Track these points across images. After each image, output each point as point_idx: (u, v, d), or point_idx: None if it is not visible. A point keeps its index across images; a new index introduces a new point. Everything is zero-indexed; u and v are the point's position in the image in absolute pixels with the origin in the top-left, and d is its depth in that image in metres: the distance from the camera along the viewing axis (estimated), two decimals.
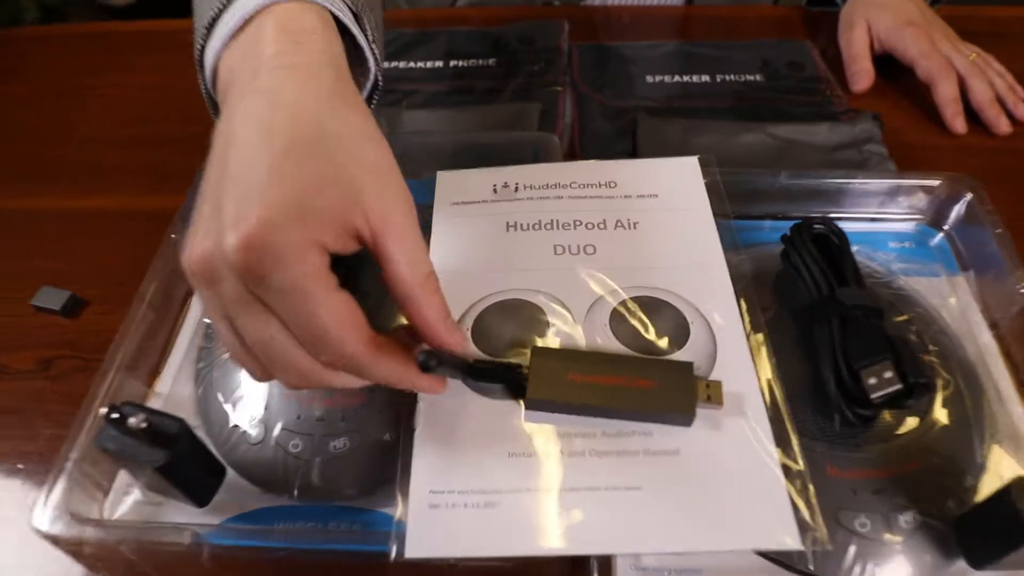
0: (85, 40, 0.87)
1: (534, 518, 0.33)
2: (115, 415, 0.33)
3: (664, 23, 0.77)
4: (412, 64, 0.70)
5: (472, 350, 0.39)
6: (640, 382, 0.36)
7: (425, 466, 0.35)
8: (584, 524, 0.33)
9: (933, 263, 0.49)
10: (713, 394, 0.35)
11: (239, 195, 0.28)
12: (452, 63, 0.70)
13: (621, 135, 0.60)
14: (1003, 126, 0.60)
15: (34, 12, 1.82)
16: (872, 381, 0.35)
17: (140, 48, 0.85)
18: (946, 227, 0.50)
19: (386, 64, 0.70)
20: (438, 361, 0.31)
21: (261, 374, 0.31)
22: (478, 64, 0.70)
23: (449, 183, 0.48)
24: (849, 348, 0.37)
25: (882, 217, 0.51)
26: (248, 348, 0.30)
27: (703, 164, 0.48)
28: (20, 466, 0.49)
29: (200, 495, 0.37)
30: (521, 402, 0.37)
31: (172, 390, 0.45)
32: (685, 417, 0.35)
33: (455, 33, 0.73)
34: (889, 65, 0.66)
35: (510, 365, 0.38)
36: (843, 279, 0.40)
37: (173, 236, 0.48)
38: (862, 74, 0.64)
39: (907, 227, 0.51)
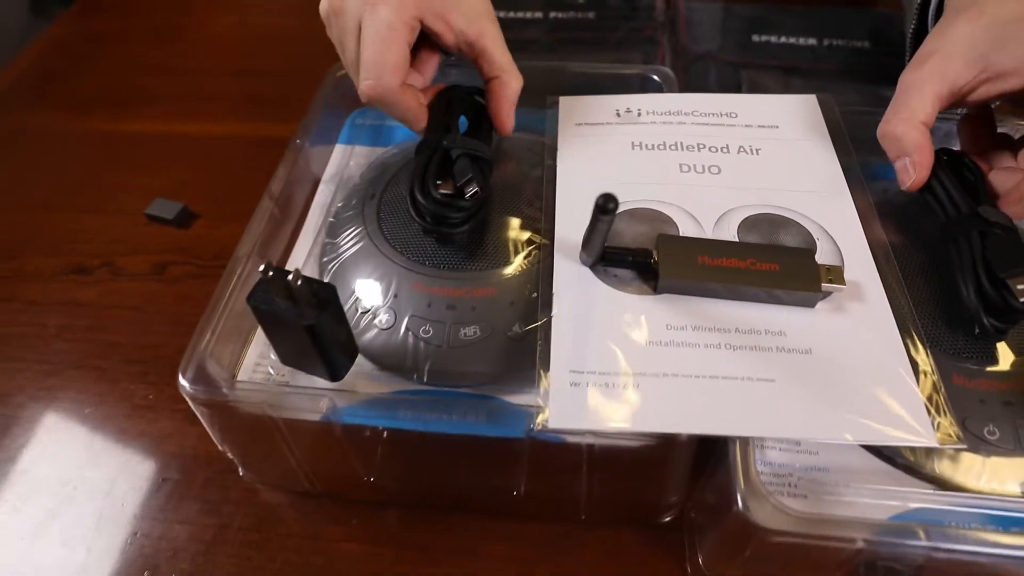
0: None
1: (671, 400, 0.37)
2: (271, 273, 0.37)
3: None
4: (511, 13, 0.74)
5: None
6: (765, 265, 0.39)
7: (563, 348, 0.39)
8: (722, 408, 0.36)
9: None
10: (835, 276, 0.39)
11: None
12: (551, 14, 0.74)
13: (723, 89, 0.64)
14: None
15: None
16: (1021, 287, 0.37)
17: None
18: None
19: None
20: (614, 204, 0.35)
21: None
22: (577, 17, 0.74)
23: (571, 107, 0.52)
24: (992, 259, 0.39)
25: None
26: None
27: (822, 104, 0.51)
28: (139, 356, 0.54)
29: (336, 368, 0.40)
30: (652, 287, 0.40)
31: None
32: (810, 296, 0.39)
33: None
34: None
35: (640, 250, 0.42)
36: (979, 202, 0.42)
37: (298, 141, 0.52)
38: (911, 168, 0.43)
39: None
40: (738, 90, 0.63)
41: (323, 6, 0.47)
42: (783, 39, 0.70)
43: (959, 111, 0.49)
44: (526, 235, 0.46)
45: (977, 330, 0.40)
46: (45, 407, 0.51)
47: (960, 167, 0.45)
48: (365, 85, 0.44)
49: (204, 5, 0.91)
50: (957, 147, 0.49)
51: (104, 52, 0.84)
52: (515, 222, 0.46)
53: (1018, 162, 0.44)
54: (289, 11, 0.87)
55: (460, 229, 0.44)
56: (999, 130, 0.48)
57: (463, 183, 0.44)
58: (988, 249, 0.40)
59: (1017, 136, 0.46)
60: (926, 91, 0.43)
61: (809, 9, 0.74)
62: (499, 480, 0.43)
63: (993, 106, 0.48)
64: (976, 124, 0.48)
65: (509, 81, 0.47)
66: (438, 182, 0.44)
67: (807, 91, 0.62)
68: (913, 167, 0.43)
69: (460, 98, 0.49)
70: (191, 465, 0.48)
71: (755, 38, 0.70)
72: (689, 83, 0.66)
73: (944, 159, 0.45)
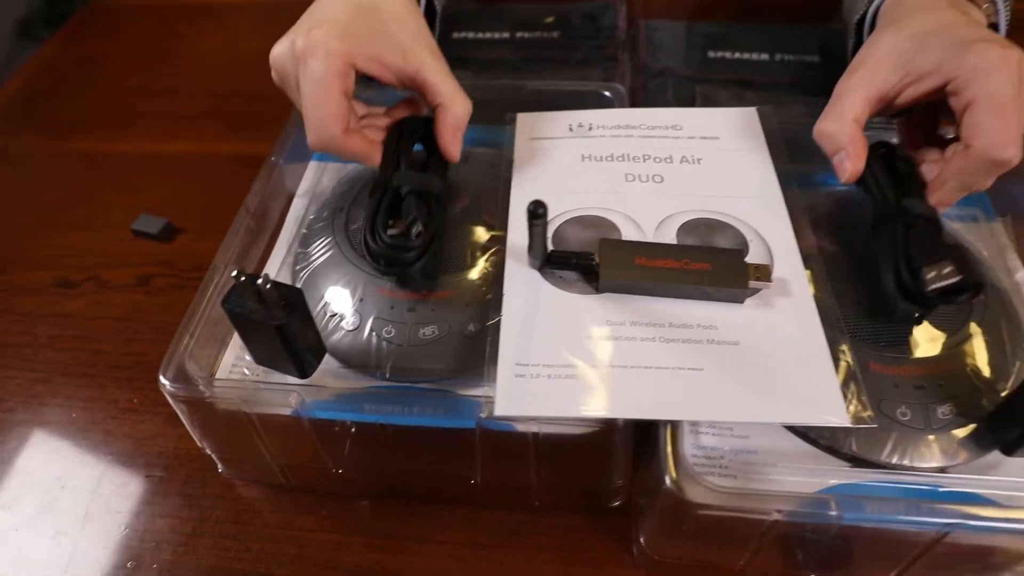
0: (158, 11, 0.99)
1: (609, 388, 0.41)
2: (243, 278, 0.40)
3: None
4: (480, 35, 0.79)
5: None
6: (698, 265, 0.43)
7: (511, 343, 0.43)
8: (653, 395, 0.40)
9: (971, 208, 0.55)
10: (762, 274, 0.43)
11: (314, 23, 0.47)
12: (518, 34, 0.78)
13: (680, 103, 0.68)
14: None
15: None
16: (931, 275, 0.41)
17: (207, 16, 0.98)
18: None
19: (454, 35, 0.78)
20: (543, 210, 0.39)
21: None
22: (542, 36, 0.78)
23: (528, 123, 0.56)
24: (912, 251, 0.43)
25: None
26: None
27: (761, 116, 0.56)
28: (124, 363, 0.57)
29: (304, 366, 0.44)
30: (594, 287, 0.44)
31: None
32: (738, 292, 0.43)
33: (520, 9, 0.82)
34: None
35: (583, 253, 0.46)
36: (908, 193, 0.46)
37: (273, 159, 0.56)
38: (847, 160, 0.46)
39: None
40: (693, 104, 0.67)
41: (273, 76, 0.50)
42: (737, 55, 0.74)
43: (894, 122, 0.54)
44: (483, 242, 0.50)
45: (896, 315, 0.43)
46: (35, 412, 0.55)
47: (893, 159, 0.48)
48: (309, 139, 0.47)
49: (189, 30, 0.95)
50: None
51: (91, 75, 0.88)
52: (474, 231, 0.50)
53: (943, 156, 0.47)
54: (269, 36, 0.92)
55: (414, 267, 0.46)
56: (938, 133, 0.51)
57: (409, 222, 0.47)
58: (910, 240, 0.44)
59: (949, 136, 0.50)
60: (857, 95, 0.47)
61: (763, 26, 0.78)
62: (457, 469, 0.47)
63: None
64: (911, 125, 0.52)
65: (451, 107, 0.49)
66: (390, 222, 0.47)
67: (758, 103, 0.66)
68: (848, 159, 0.46)
69: (412, 130, 0.51)
70: (173, 463, 0.52)
71: (711, 54, 0.74)
72: (648, 98, 0.70)
73: (881, 152, 0.48)
